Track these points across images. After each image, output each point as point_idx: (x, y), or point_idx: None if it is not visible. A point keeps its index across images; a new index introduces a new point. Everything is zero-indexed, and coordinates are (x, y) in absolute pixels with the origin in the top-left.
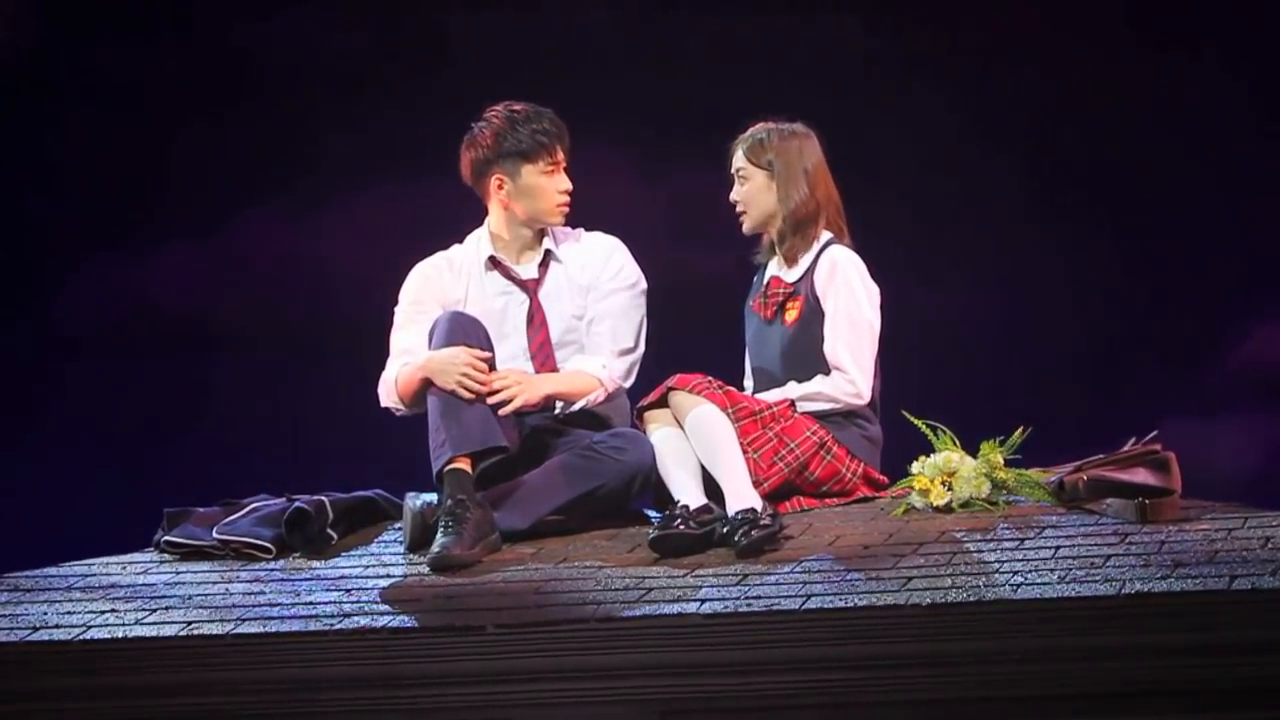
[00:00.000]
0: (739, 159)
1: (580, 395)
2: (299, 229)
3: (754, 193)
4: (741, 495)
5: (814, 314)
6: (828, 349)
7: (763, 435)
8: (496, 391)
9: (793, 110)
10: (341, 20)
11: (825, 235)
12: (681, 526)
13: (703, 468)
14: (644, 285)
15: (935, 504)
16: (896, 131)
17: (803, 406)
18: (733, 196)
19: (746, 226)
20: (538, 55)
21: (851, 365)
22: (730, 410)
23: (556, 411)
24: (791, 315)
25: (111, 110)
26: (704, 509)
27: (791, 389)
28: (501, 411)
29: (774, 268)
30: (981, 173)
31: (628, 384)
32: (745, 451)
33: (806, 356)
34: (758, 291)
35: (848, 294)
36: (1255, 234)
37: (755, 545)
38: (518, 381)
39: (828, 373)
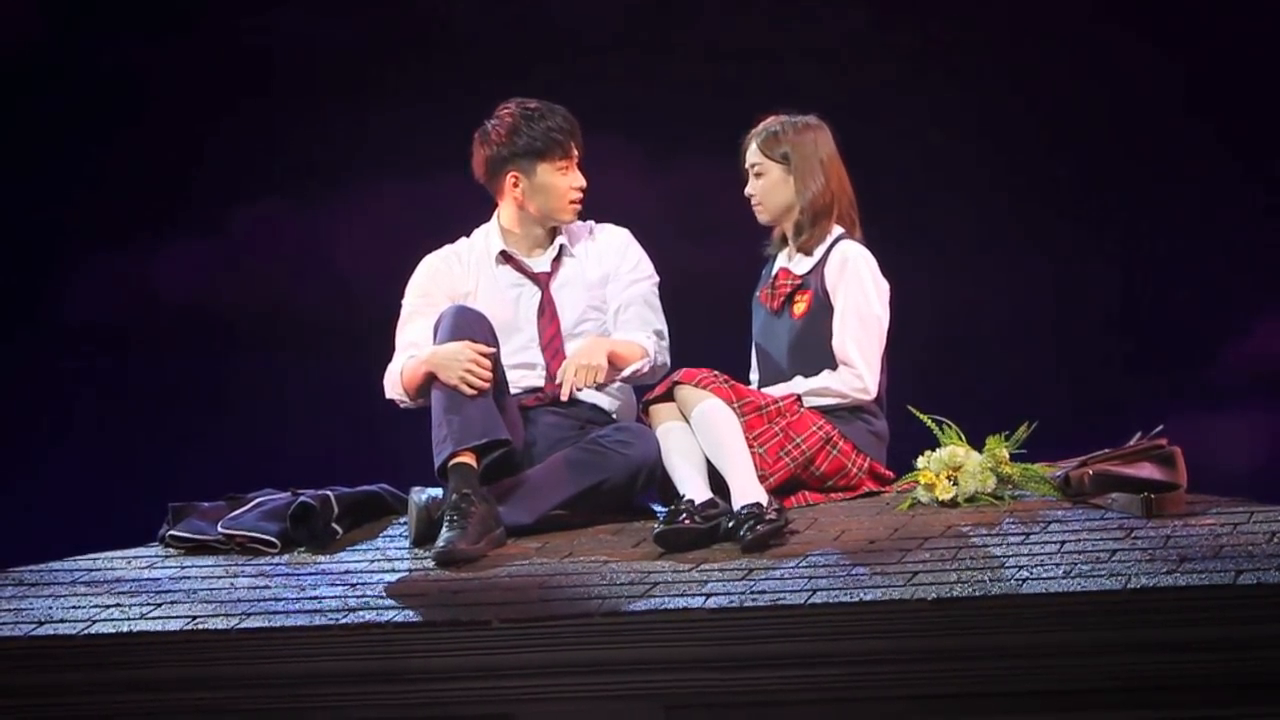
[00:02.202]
0: (753, 154)
1: (631, 360)
2: (306, 224)
3: (770, 186)
4: (747, 490)
5: (823, 307)
6: (836, 344)
7: (768, 430)
8: (566, 387)
9: (795, 105)
10: (347, 15)
11: (837, 229)
12: (687, 521)
13: (708, 462)
14: (658, 278)
15: (940, 499)
16: (903, 126)
17: (809, 401)
18: (748, 191)
19: (762, 219)
20: (543, 49)
21: (859, 360)
22: (736, 404)
23: (565, 397)
24: (800, 308)
25: (116, 106)
26: (709, 504)
27: (798, 384)
28: (585, 386)
29: (783, 259)
30: (986, 169)
31: (664, 361)
32: (751, 446)
33: (813, 349)
34: (765, 283)
35: (858, 289)
36: (1260, 228)
37: (760, 540)
38: (578, 367)
39: (834, 367)
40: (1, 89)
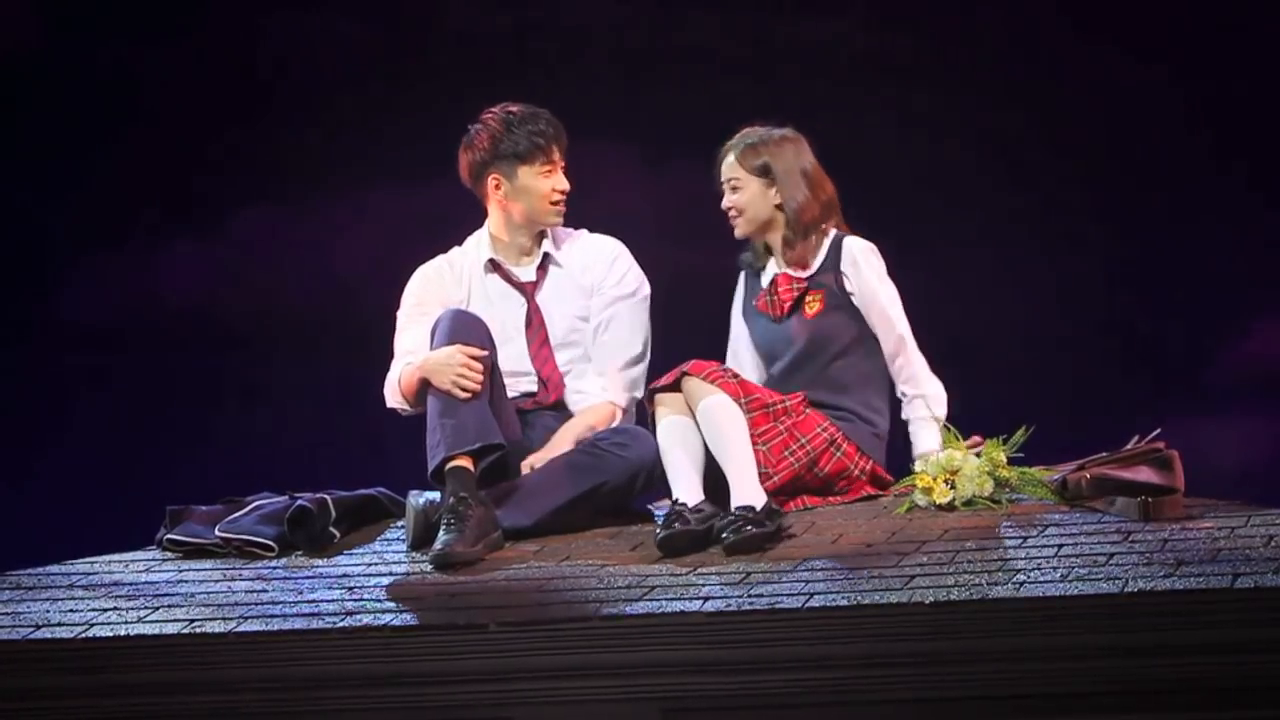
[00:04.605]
0: (730, 168)
1: (603, 426)
2: (304, 227)
3: (749, 199)
4: (744, 490)
5: (839, 305)
6: (899, 366)
7: (774, 428)
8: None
9: (793, 109)
10: (345, 19)
11: (833, 231)
12: (680, 526)
13: (708, 456)
14: (647, 291)
15: (938, 502)
16: (898, 131)
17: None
18: (726, 204)
19: (740, 232)
20: (541, 55)
21: (927, 375)
22: (743, 400)
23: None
24: (814, 307)
25: (114, 109)
26: (700, 506)
27: (930, 411)
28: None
29: (775, 267)
30: (983, 173)
31: (639, 394)
32: (755, 443)
33: (830, 345)
34: (758, 292)
35: (888, 296)
36: (1257, 231)
37: (743, 544)
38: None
39: (850, 360)
40: (0, 89)
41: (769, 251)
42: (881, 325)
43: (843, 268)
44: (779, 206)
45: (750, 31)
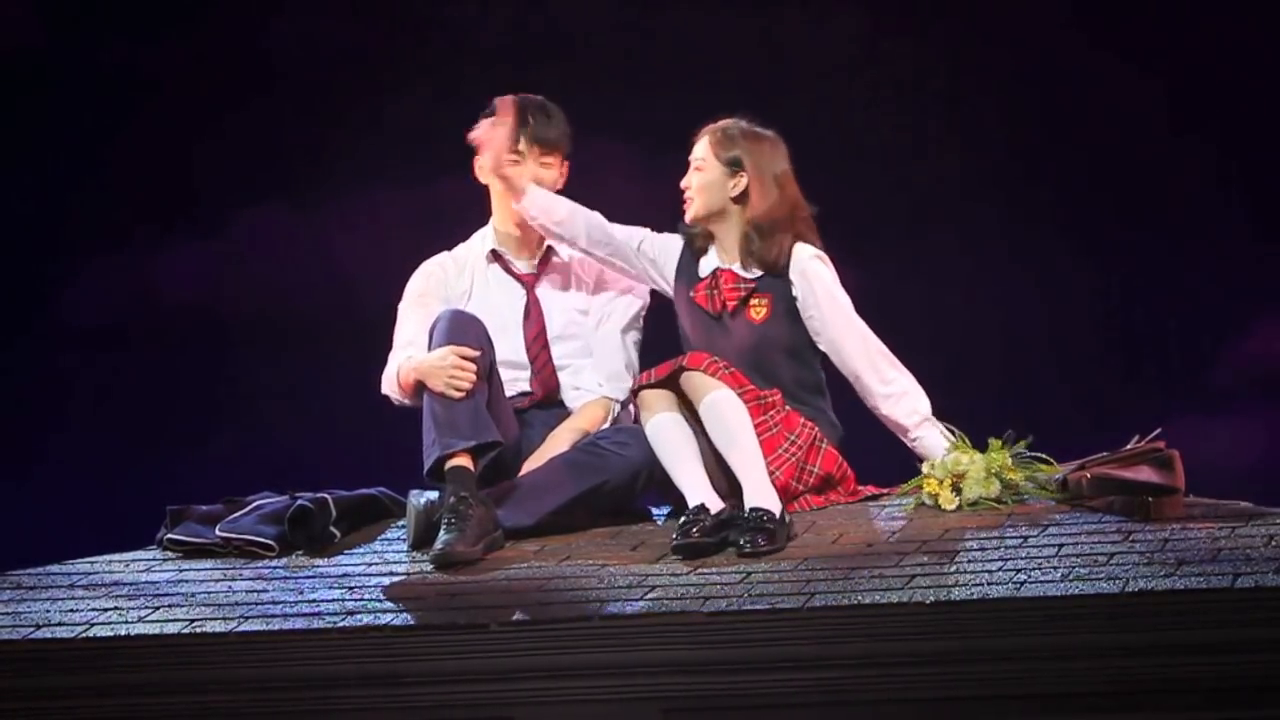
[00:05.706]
0: (702, 149)
1: (601, 423)
2: (307, 226)
3: (707, 184)
4: (759, 493)
5: (787, 311)
6: (869, 378)
7: (765, 422)
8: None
9: (791, 106)
10: (348, 17)
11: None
12: (698, 534)
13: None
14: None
15: (945, 507)
16: (900, 129)
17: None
18: (685, 183)
19: (690, 215)
20: (544, 53)
21: (897, 372)
22: (738, 393)
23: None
24: (760, 312)
25: (113, 107)
26: (720, 513)
27: (922, 412)
28: None
29: (718, 260)
30: (984, 170)
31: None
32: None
33: (777, 351)
34: (697, 281)
35: (840, 303)
36: (1257, 231)
37: (757, 555)
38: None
39: (797, 368)
40: (1, 89)
41: (710, 240)
42: (839, 339)
43: (791, 275)
44: (736, 200)
45: (751, 30)
